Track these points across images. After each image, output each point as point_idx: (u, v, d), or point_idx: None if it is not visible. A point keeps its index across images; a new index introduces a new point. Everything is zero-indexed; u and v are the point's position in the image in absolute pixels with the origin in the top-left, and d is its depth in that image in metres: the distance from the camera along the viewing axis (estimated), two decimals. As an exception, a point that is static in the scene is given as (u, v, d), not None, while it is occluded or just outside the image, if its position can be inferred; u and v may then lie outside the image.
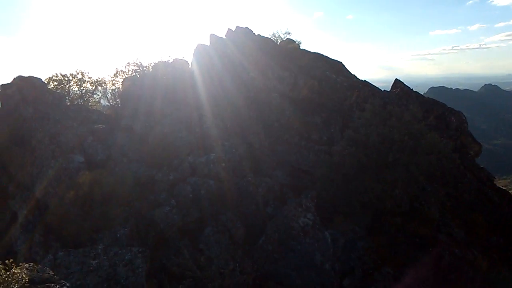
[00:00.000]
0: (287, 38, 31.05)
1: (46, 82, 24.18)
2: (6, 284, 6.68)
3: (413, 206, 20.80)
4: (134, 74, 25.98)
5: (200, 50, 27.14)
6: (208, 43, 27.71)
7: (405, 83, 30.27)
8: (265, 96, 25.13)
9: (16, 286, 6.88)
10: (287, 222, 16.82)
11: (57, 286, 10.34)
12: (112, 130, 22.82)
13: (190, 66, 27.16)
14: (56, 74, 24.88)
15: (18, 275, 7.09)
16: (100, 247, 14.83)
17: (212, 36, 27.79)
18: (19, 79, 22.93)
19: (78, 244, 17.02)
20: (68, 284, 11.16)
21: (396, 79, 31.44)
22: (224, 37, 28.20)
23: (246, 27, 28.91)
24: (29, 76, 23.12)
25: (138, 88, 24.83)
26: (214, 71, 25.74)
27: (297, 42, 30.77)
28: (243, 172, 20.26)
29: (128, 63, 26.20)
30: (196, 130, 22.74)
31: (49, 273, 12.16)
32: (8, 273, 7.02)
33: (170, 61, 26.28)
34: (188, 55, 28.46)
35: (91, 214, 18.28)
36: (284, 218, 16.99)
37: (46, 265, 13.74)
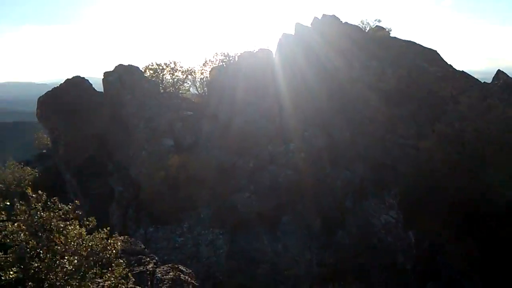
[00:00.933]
0: (376, 26, 29.58)
1: (143, 70, 26.21)
2: (104, 252, 7.43)
3: (510, 210, 18.73)
4: (221, 63, 26.94)
5: (284, 40, 27.12)
6: (293, 32, 27.56)
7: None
8: (349, 87, 24.36)
9: (112, 254, 7.62)
10: (368, 218, 16.31)
11: (148, 259, 11.28)
12: (199, 117, 24.02)
13: (273, 56, 27.33)
14: (152, 63, 26.85)
15: (114, 244, 7.83)
16: (185, 226, 15.91)
17: (297, 25, 27.57)
18: (120, 67, 25.15)
19: (165, 221, 18.42)
20: (156, 258, 12.13)
21: (499, 70, 28.26)
22: (310, 26, 27.79)
23: (333, 15, 28.12)
24: (129, 65, 25.26)
25: (224, 77, 25.73)
26: (297, 61, 25.58)
27: (387, 30, 29.16)
28: (322, 163, 20.02)
29: (216, 53, 27.26)
30: (276, 120, 22.95)
31: (140, 246, 13.35)
32: (104, 242, 7.80)
33: (255, 51, 26.72)
34: (273, 45, 28.62)
35: (178, 194, 19.62)
36: (364, 213, 16.50)
37: (138, 238, 15.11)
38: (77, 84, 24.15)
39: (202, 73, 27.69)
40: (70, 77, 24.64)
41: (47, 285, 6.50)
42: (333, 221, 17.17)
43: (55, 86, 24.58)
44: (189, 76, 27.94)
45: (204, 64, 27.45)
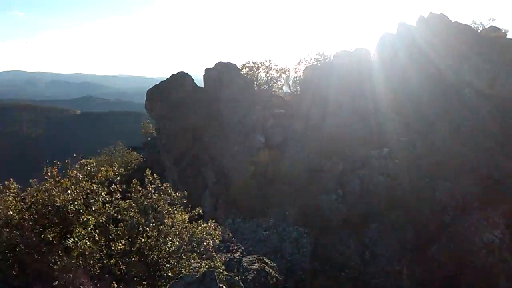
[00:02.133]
0: (490, 26, 26.75)
1: (240, 68, 27.31)
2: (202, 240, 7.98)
3: None
4: (315, 62, 26.83)
5: (385, 39, 25.92)
6: (395, 32, 26.23)
7: None
8: (456, 91, 22.36)
9: (209, 246, 8.16)
10: (468, 236, 14.87)
11: (235, 247, 11.81)
12: (290, 115, 24.24)
13: (372, 56, 26.35)
14: (249, 61, 27.83)
15: (212, 237, 8.37)
16: (271, 220, 16.21)
17: (401, 24, 26.13)
18: (219, 64, 26.53)
19: (252, 214, 18.99)
20: (243, 248, 12.60)
21: None
22: (414, 25, 26.16)
23: (441, 13, 26.04)
24: (227, 62, 26.52)
25: (317, 76, 25.55)
26: (398, 62, 24.26)
27: (503, 30, 26.17)
28: (420, 172, 18.72)
29: (311, 52, 27.22)
30: (371, 122, 22.08)
31: (229, 234, 13.99)
32: (201, 227, 8.39)
33: (351, 51, 26.08)
34: (371, 44, 27.58)
35: (265, 190, 20.08)
36: (464, 230, 15.08)
37: (226, 227, 15.84)
38: (181, 79, 26.07)
39: (295, 72, 27.89)
40: (175, 72, 26.69)
41: (149, 260, 7.20)
42: (428, 235, 15.99)
43: (162, 80, 26.83)
44: (283, 75, 28.34)
45: (298, 63, 27.60)
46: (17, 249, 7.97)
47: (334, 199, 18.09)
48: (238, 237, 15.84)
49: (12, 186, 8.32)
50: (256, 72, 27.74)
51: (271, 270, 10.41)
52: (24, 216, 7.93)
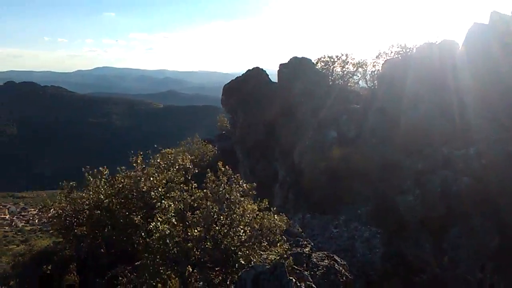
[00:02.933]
0: None
1: (314, 62, 26.99)
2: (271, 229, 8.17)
3: None
4: (396, 56, 25.48)
5: (475, 30, 23.68)
6: (486, 22, 23.88)
7: None
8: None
9: (277, 231, 8.35)
10: None
11: (305, 242, 11.83)
12: (365, 110, 23.41)
13: (460, 48, 24.31)
14: (324, 55, 27.35)
15: (280, 224, 8.54)
16: (342, 218, 15.92)
17: (494, 13, 23.66)
18: (294, 59, 26.52)
19: (322, 210, 18.80)
20: (312, 244, 12.58)
21: None
22: (510, 14, 23.56)
23: (544, -1, 23.16)
24: (302, 57, 26.41)
25: (397, 70, 24.25)
26: (490, 54, 22.05)
27: None
28: (511, 174, 16.95)
29: (392, 44, 25.85)
30: (455, 118, 20.45)
31: (298, 229, 14.04)
32: (273, 221, 8.57)
33: (437, 42, 24.28)
34: (459, 36, 25.42)
35: (337, 186, 19.71)
36: None
37: (295, 222, 15.90)
38: (255, 75, 26.58)
39: (374, 66, 26.74)
40: (250, 68, 27.25)
41: (222, 247, 7.55)
42: (517, 243, 14.52)
43: (238, 76, 27.60)
44: (360, 69, 27.36)
45: (377, 57, 26.40)
46: (106, 230, 8.90)
47: (411, 200, 17.17)
48: (308, 232, 15.82)
49: (105, 172, 9.28)
50: (332, 67, 27.18)
51: (341, 268, 10.25)
52: (113, 200, 8.82)
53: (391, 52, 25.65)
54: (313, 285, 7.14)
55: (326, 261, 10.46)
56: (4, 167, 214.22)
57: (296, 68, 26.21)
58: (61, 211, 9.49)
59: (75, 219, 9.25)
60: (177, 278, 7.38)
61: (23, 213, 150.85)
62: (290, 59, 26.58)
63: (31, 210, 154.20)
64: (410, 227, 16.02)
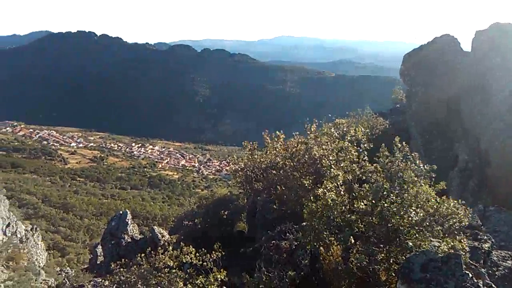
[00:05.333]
0: None
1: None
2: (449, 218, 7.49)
3: None
4: None
5: None
6: None
7: None
8: None
9: (455, 220, 7.60)
10: None
11: (484, 237, 10.42)
12: None
13: None
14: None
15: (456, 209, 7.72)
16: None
17: None
18: (494, 26, 22.39)
19: (510, 205, 16.03)
20: (493, 240, 10.99)
21: None
22: None
23: None
24: (507, 23, 22.07)
25: None
26: None
27: None
28: None
29: None
30: None
31: (477, 221, 12.41)
32: (447, 204, 7.81)
33: None
34: None
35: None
36: None
37: (475, 213, 14.04)
38: (444, 43, 23.68)
39: None
40: (438, 35, 24.40)
41: (390, 225, 7.36)
42: None
43: (422, 44, 25.11)
44: None
45: None
46: (278, 188, 9.74)
47: None
48: (488, 227, 13.82)
49: (282, 136, 10.08)
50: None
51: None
52: (286, 162, 9.54)
53: None
54: (493, 285, 6.34)
55: (510, 262, 9.06)
56: (196, 122, 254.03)
57: (496, 36, 22.12)
58: (243, 167, 10.86)
59: (254, 175, 10.47)
60: (339, 246, 7.63)
61: (208, 163, 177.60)
62: (490, 25, 22.57)
63: (214, 161, 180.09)
64: None
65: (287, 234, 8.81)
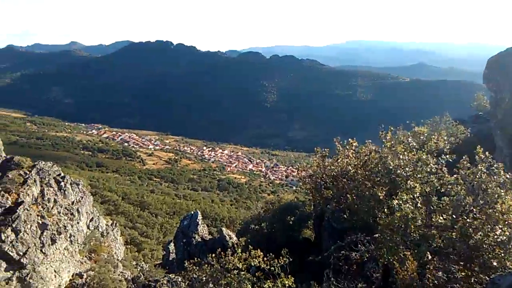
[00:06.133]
0: None
1: None
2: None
3: None
4: None
5: None
6: None
7: None
8: None
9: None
10: None
11: None
12: None
13: None
14: None
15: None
16: None
17: None
18: None
19: None
20: None
21: None
22: None
23: None
24: None
25: None
26: None
27: None
28: None
29: None
30: None
31: None
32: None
33: None
34: None
35: None
36: None
37: None
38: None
39: None
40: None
41: (471, 242, 6.83)
42: None
43: (509, 47, 22.99)
44: None
45: None
46: (349, 197, 9.50)
47: None
48: None
49: (354, 143, 9.83)
50: None
51: None
52: (358, 171, 9.27)
53: None
54: None
55: None
56: (265, 128, 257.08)
57: None
58: (312, 173, 10.79)
59: (323, 182, 10.34)
60: (415, 261, 7.23)
61: (274, 168, 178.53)
62: None
63: (280, 167, 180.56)
64: None
65: (358, 245, 8.52)
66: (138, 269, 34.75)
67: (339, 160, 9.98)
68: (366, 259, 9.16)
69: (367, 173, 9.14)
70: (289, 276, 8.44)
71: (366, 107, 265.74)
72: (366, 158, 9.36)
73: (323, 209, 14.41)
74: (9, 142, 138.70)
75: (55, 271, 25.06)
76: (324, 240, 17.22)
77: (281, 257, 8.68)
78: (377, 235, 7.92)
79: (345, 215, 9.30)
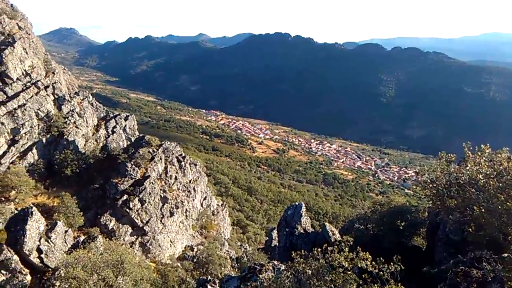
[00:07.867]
0: None
1: None
2: None
3: None
4: None
5: None
6: None
7: None
8: None
9: None
10: None
11: None
12: None
13: None
14: None
15: None
16: None
17: None
18: None
19: None
20: None
21: None
22: None
23: None
24: None
25: None
26: None
27: None
28: None
29: None
30: None
31: None
32: None
33: None
34: None
35: None
36: None
37: None
38: None
39: None
40: None
41: None
42: None
43: None
44: None
45: None
46: (476, 209, 8.39)
47: None
48: None
49: (487, 150, 8.61)
50: None
51: None
52: (490, 181, 8.11)
53: None
54: None
55: None
56: (378, 124, 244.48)
57: None
58: (435, 179, 9.81)
59: (447, 191, 9.31)
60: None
61: (385, 168, 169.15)
62: None
63: (393, 167, 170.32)
64: None
65: (483, 263, 7.50)
66: (242, 250, 36.65)
67: (467, 167, 8.82)
68: (490, 279, 8.05)
69: (501, 184, 7.94)
70: (399, 284, 7.90)
71: (500, 109, 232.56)
72: (501, 167, 8.11)
73: (440, 218, 13.08)
74: (142, 122, 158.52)
75: (171, 241, 27.93)
76: (437, 252, 15.76)
77: (392, 263, 8.18)
78: (506, 254, 6.86)
79: (470, 229, 8.22)
